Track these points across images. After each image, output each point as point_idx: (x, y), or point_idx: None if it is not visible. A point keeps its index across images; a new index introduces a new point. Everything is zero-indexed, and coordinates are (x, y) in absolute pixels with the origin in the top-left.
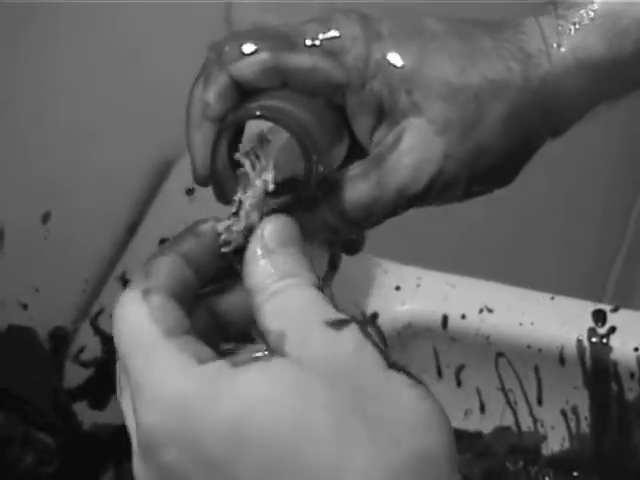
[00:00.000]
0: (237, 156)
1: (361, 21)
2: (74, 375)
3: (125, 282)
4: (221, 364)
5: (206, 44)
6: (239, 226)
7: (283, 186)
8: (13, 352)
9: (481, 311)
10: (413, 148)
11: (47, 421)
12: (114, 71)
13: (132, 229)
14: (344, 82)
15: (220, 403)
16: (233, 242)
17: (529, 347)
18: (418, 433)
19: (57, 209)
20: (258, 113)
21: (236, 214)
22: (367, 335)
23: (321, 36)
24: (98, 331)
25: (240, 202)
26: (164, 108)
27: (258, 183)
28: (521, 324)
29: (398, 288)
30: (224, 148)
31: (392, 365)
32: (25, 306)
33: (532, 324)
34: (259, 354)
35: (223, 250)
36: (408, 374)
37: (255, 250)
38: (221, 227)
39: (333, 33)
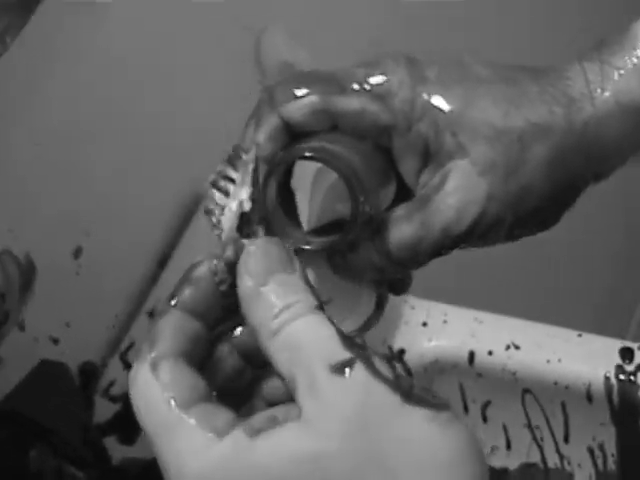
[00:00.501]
0: (206, 184)
1: (408, 65)
2: (103, 410)
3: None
4: (238, 436)
5: (236, 79)
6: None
7: (330, 226)
8: (45, 387)
9: (508, 347)
10: (457, 189)
11: (78, 455)
12: (146, 104)
13: (162, 263)
14: (391, 124)
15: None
16: (226, 280)
17: (556, 384)
18: (444, 472)
19: (88, 244)
20: (308, 154)
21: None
22: (375, 373)
23: (370, 80)
24: (127, 366)
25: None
26: (194, 141)
27: (232, 208)
28: (548, 361)
29: (425, 324)
30: (273, 188)
31: (408, 396)
32: (56, 341)
33: (559, 361)
34: (276, 414)
35: (221, 289)
36: (427, 402)
37: (242, 288)
38: (212, 267)
39: (381, 78)
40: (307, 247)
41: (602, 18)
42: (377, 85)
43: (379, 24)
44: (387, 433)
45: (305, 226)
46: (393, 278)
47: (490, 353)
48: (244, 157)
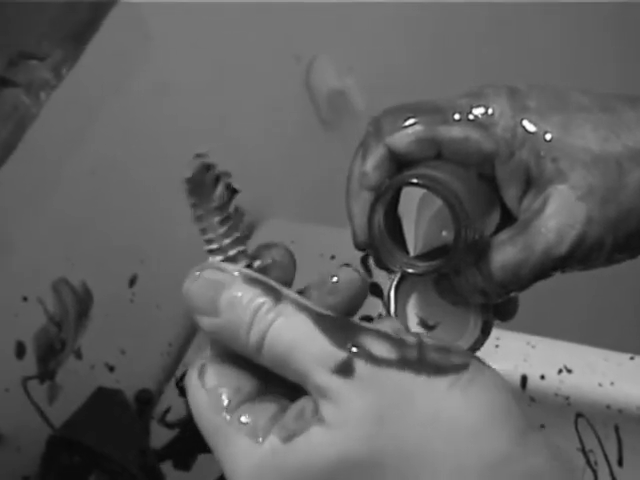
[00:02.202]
0: (195, 218)
1: (509, 94)
2: (160, 436)
3: None
4: (274, 442)
5: (288, 107)
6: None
7: (436, 251)
8: (102, 414)
9: (560, 371)
10: (557, 212)
11: None
12: (198, 135)
13: None
14: (493, 152)
15: None
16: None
17: (609, 407)
18: (476, 439)
19: (143, 272)
20: (414, 180)
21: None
22: (377, 362)
23: (473, 110)
24: (183, 393)
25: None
26: (246, 173)
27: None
28: (600, 384)
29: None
30: (380, 214)
31: (418, 368)
32: (112, 368)
33: (612, 384)
34: (304, 411)
35: None
36: (441, 368)
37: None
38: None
39: (484, 107)
40: (413, 271)
41: None
42: (480, 114)
43: (423, 52)
44: (409, 419)
45: (411, 251)
46: (500, 304)
47: (542, 377)
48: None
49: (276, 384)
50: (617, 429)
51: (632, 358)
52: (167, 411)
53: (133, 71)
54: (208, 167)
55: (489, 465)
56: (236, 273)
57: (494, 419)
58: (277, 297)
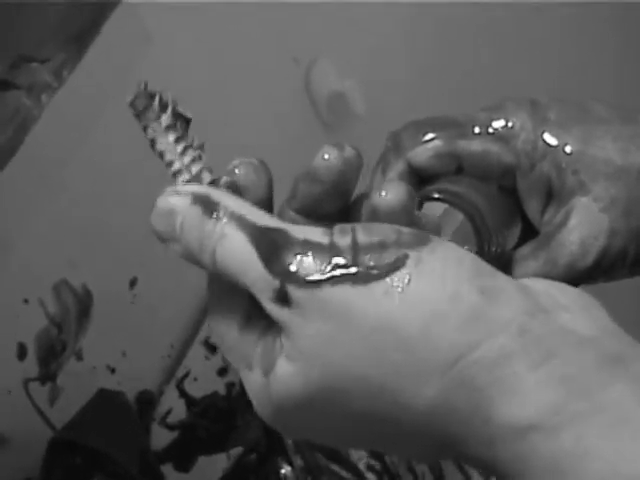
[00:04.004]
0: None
1: (530, 107)
2: (160, 437)
3: (209, 346)
4: (258, 374)
5: (288, 110)
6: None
7: None
8: (104, 415)
9: None
10: (580, 225)
11: None
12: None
13: None
14: (514, 165)
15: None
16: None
17: None
18: (413, 345)
19: (143, 274)
20: (435, 195)
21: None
22: (312, 284)
23: (493, 123)
24: (183, 394)
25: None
26: None
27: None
28: None
29: None
30: None
31: (353, 273)
32: (113, 370)
33: None
34: (276, 345)
35: None
36: (379, 270)
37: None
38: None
39: (504, 122)
40: None
41: None
42: (500, 128)
43: (423, 55)
44: (357, 336)
45: None
46: None
47: None
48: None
49: None
50: None
51: None
52: (168, 413)
53: (133, 74)
54: (151, 95)
55: (448, 364)
56: (184, 191)
57: (441, 314)
58: (218, 214)
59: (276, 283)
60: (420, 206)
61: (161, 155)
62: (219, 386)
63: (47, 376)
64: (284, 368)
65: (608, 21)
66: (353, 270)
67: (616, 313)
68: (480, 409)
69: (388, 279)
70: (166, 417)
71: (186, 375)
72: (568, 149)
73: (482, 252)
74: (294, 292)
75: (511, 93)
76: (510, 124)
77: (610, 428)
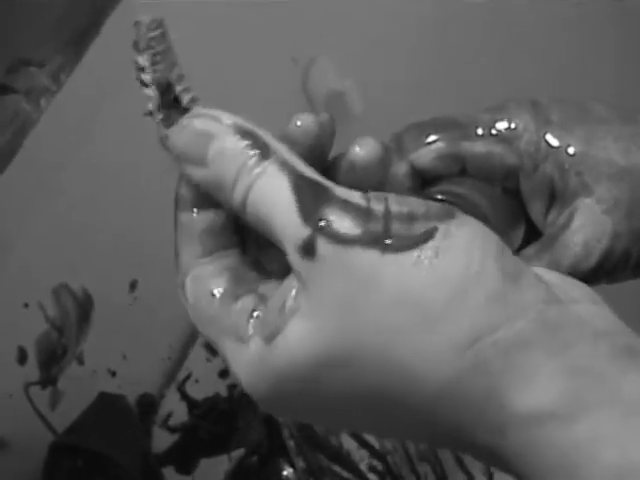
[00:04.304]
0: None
1: (532, 108)
2: (162, 440)
3: (210, 348)
4: (258, 343)
5: (286, 112)
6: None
7: None
8: (105, 419)
9: None
10: (583, 226)
11: None
12: None
13: None
14: (517, 166)
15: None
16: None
17: None
18: (445, 311)
19: (143, 277)
20: (439, 197)
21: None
22: (340, 240)
23: (495, 124)
24: (185, 396)
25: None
26: None
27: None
28: None
29: None
30: None
31: (385, 244)
32: (114, 373)
33: None
34: (287, 303)
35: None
36: (408, 241)
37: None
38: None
39: (507, 123)
40: None
41: None
42: (503, 129)
43: (421, 54)
44: (380, 303)
45: None
46: None
47: None
48: (142, 32)
49: (269, 258)
50: None
51: None
52: (169, 416)
53: (131, 76)
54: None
55: (467, 343)
56: (229, 121)
57: (466, 290)
58: (265, 153)
59: (306, 232)
60: None
61: (163, 122)
62: (220, 388)
63: (48, 380)
64: (297, 327)
65: (609, 18)
66: (384, 237)
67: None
68: (494, 394)
69: (417, 250)
70: (167, 420)
71: (187, 377)
72: (571, 150)
73: None
74: (322, 245)
75: (511, 92)
76: (513, 125)
77: (625, 418)
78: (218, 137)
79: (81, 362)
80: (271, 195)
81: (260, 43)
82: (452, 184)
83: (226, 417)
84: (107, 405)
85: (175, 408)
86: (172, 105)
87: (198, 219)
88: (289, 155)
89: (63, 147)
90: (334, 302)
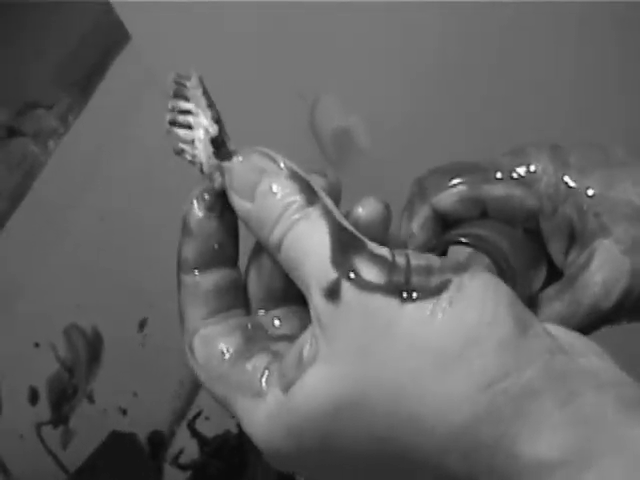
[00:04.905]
0: (166, 127)
1: (551, 152)
2: (173, 478)
3: None
4: (276, 394)
5: (293, 146)
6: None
7: None
8: (116, 457)
9: None
10: (602, 267)
11: None
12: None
13: None
14: (537, 208)
15: (283, 439)
16: (215, 208)
17: None
18: (458, 362)
19: (153, 315)
20: (461, 240)
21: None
22: (363, 286)
23: (515, 168)
24: (195, 434)
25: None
26: None
27: (201, 137)
28: None
29: None
30: None
31: (404, 295)
32: (125, 411)
33: None
34: (302, 353)
35: (215, 217)
36: (425, 291)
37: (236, 208)
38: (204, 205)
39: (526, 166)
40: None
41: None
42: (522, 172)
43: (426, 90)
44: (395, 349)
45: None
46: None
47: None
48: (189, 84)
49: (279, 320)
50: None
51: None
52: (180, 453)
53: (139, 115)
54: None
55: (479, 389)
56: (282, 165)
57: (478, 337)
58: (311, 199)
59: (334, 276)
60: (445, 250)
61: (194, 163)
62: (231, 425)
63: (59, 419)
64: (315, 372)
65: (611, 20)
66: (404, 288)
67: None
68: (503, 442)
69: (433, 301)
70: (178, 457)
71: (198, 415)
72: (589, 192)
73: None
74: (347, 290)
75: (518, 123)
76: (532, 168)
77: (632, 468)
78: (270, 175)
79: (92, 401)
80: (308, 239)
81: (267, 81)
82: (474, 226)
83: (237, 454)
84: (118, 443)
85: (186, 445)
86: (219, 145)
87: (202, 280)
88: (332, 206)
89: (71, 188)
90: (352, 347)
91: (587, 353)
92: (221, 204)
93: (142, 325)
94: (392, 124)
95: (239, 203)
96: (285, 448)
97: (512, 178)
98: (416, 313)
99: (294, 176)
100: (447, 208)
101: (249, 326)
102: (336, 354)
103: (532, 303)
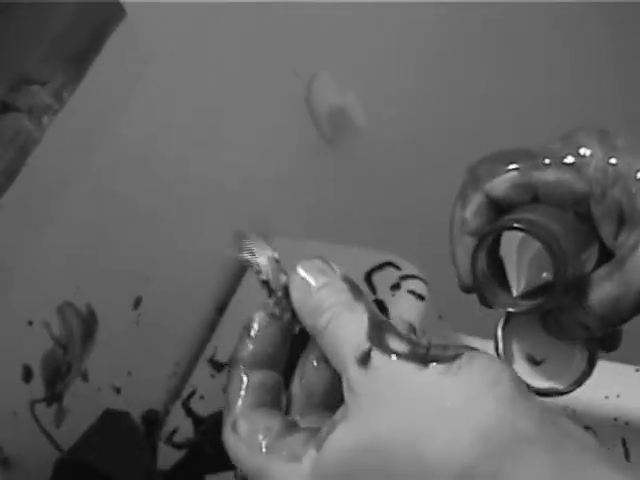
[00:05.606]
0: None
1: (599, 136)
2: (167, 457)
3: (215, 364)
4: (311, 454)
5: (289, 125)
6: (279, 301)
7: (539, 289)
8: (110, 436)
9: None
10: None
11: None
12: (200, 153)
13: (221, 310)
14: (587, 192)
15: None
16: (285, 315)
17: (616, 420)
18: (457, 416)
19: (148, 294)
20: (513, 225)
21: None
22: (390, 352)
23: (565, 154)
24: (190, 413)
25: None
26: (250, 192)
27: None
28: (607, 397)
29: None
30: (483, 259)
31: (422, 360)
32: (118, 390)
33: (618, 396)
34: (335, 416)
35: (285, 320)
36: (440, 358)
37: (294, 301)
38: (268, 311)
39: (575, 152)
40: (517, 310)
41: None
42: (572, 157)
43: (422, 67)
44: (410, 404)
45: (514, 291)
46: (604, 336)
47: None
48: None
49: (309, 413)
50: (624, 441)
51: (638, 370)
52: (174, 432)
53: (134, 93)
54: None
55: (479, 434)
56: (337, 269)
57: (481, 393)
58: (357, 296)
59: (367, 345)
60: (499, 236)
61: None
62: None
63: (53, 397)
64: (343, 426)
65: (608, 21)
66: (425, 356)
67: None
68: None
69: (447, 366)
70: (172, 436)
71: (192, 394)
72: (638, 175)
73: (559, 278)
74: (376, 356)
75: (516, 105)
76: (582, 152)
77: None
78: (327, 274)
79: (86, 379)
80: (351, 323)
81: (263, 59)
82: (526, 211)
83: None
84: (112, 422)
85: (180, 424)
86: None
87: (251, 377)
88: (371, 304)
89: (66, 165)
90: (376, 402)
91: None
92: (282, 308)
93: (137, 303)
94: (389, 103)
95: (297, 296)
96: None
97: (562, 163)
98: (431, 373)
99: (345, 278)
100: (500, 194)
101: (288, 423)
102: (362, 409)
103: (584, 284)
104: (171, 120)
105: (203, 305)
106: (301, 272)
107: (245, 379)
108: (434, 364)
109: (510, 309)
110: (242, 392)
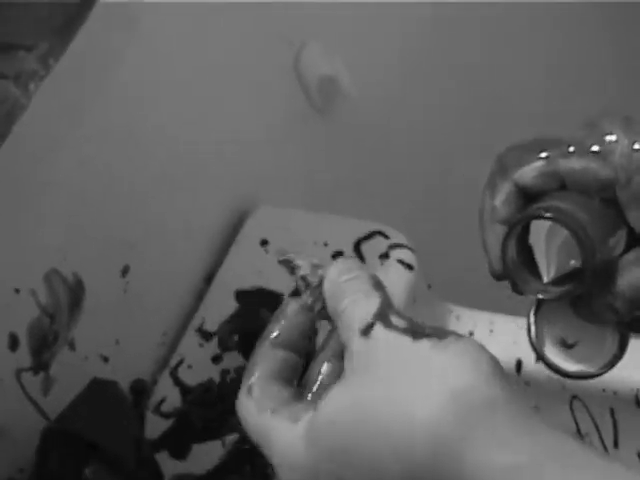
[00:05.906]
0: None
1: (624, 123)
2: (155, 426)
3: (203, 333)
4: (309, 414)
5: (278, 94)
6: (315, 292)
7: (568, 275)
8: (97, 405)
9: None
10: None
11: (132, 471)
12: (191, 119)
13: (209, 279)
14: (612, 178)
15: (320, 450)
16: (316, 305)
17: (604, 390)
18: (448, 377)
19: (135, 262)
20: (541, 214)
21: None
22: (390, 326)
23: (591, 142)
24: (177, 382)
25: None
26: (238, 160)
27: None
28: None
29: (471, 334)
30: (513, 246)
31: (416, 334)
32: (106, 359)
33: None
34: (330, 383)
35: (316, 309)
36: (432, 335)
37: (325, 287)
38: (302, 302)
39: (600, 139)
40: (547, 297)
41: None
42: (597, 144)
43: (413, 37)
44: (400, 368)
45: (545, 277)
46: (635, 318)
47: (537, 360)
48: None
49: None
50: (612, 412)
51: None
52: (162, 401)
53: (121, 60)
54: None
55: (453, 394)
56: (366, 269)
57: (462, 364)
58: (377, 287)
59: (372, 319)
60: (528, 224)
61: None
62: (213, 373)
63: (40, 366)
64: (336, 387)
65: (608, 21)
66: (419, 331)
67: None
68: (463, 444)
69: (435, 339)
70: (160, 405)
71: (180, 363)
72: None
73: (588, 264)
74: (378, 328)
75: (505, 77)
76: (607, 140)
77: (568, 472)
78: (356, 271)
79: (73, 348)
80: (365, 306)
81: (252, 27)
82: (553, 199)
83: (219, 403)
84: (99, 391)
85: (168, 394)
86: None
87: (277, 351)
88: (387, 294)
89: (53, 132)
90: (370, 365)
91: None
92: (315, 298)
93: (125, 272)
94: (379, 72)
95: (328, 285)
96: (311, 463)
97: (588, 151)
98: (423, 346)
99: (372, 275)
100: (528, 183)
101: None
102: (356, 370)
103: (613, 268)
104: (158, 87)
105: (191, 274)
106: (336, 267)
107: (268, 353)
108: (426, 339)
109: (541, 296)
110: (263, 363)
